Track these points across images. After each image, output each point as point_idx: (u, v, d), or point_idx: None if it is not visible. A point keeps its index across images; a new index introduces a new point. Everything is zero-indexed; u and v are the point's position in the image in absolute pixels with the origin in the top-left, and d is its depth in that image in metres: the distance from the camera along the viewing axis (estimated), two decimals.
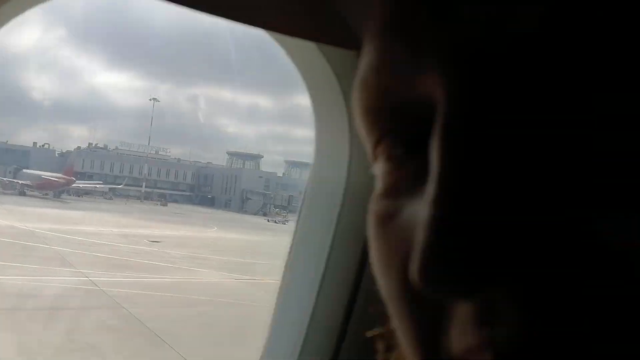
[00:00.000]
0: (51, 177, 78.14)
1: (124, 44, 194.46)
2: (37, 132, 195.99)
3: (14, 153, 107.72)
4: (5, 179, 79.64)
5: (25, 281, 17.12)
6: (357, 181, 1.48)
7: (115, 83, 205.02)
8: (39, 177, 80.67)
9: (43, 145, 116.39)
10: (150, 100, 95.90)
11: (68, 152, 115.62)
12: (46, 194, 78.08)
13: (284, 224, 62.37)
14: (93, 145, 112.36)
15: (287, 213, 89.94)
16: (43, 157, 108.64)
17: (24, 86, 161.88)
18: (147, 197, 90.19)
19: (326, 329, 1.57)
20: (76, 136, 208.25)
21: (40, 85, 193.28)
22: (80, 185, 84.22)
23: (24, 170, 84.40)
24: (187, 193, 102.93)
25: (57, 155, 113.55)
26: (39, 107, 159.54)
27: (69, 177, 78.61)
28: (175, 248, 28.99)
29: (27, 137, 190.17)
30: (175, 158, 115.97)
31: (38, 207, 52.33)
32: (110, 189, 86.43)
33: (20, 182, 77.79)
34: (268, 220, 68.17)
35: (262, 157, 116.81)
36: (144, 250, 26.84)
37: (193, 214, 67.57)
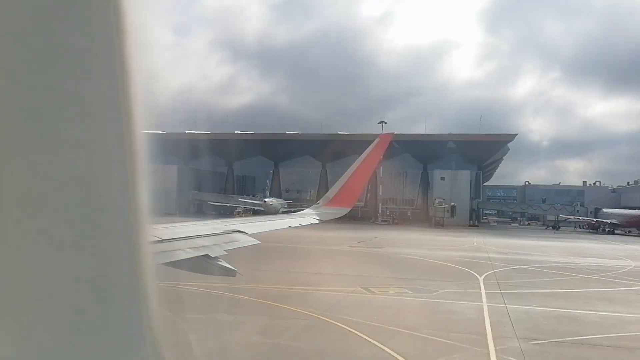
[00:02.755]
0: None
1: (619, 69, 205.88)
2: (535, 170, 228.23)
3: (568, 193, 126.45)
4: (583, 217, 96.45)
5: None
6: None
7: (611, 110, 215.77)
8: (624, 214, 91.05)
9: (594, 183, 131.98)
10: None
11: (620, 187, 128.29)
12: (629, 231, 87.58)
13: None
14: None
15: None
16: (596, 193, 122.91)
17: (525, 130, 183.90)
18: None
19: None
20: (573, 170, 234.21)
21: (538, 127, 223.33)
22: None
23: (604, 209, 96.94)
24: None
25: (610, 190, 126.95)
26: (538, 147, 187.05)
27: None
28: None
29: (526, 176, 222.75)
30: None
31: None
32: None
33: (606, 220, 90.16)
34: None
35: None
36: None
37: None
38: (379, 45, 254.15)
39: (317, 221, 11.89)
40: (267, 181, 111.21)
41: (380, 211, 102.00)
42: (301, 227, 11.05)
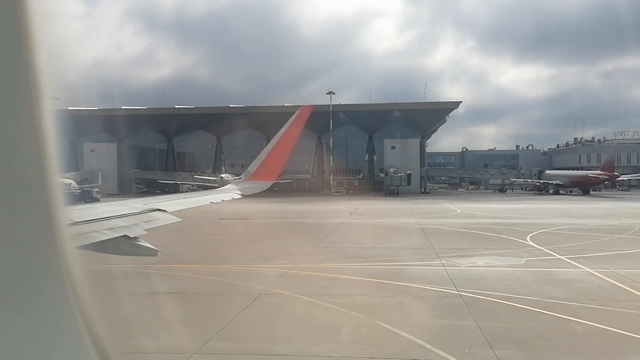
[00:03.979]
0: (591, 174, 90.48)
1: (529, 37, 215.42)
2: (453, 137, 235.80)
3: (504, 157, 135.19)
4: (530, 180, 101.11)
5: None
6: None
7: (522, 77, 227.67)
8: (567, 175, 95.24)
9: (527, 147, 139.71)
10: None
11: (551, 149, 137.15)
12: (571, 191, 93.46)
13: None
14: (579, 140, 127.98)
15: None
16: (529, 157, 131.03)
17: (443, 98, 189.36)
18: None
19: None
20: (487, 135, 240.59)
21: (455, 94, 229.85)
22: (625, 179, 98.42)
23: (547, 171, 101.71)
24: None
25: (541, 154, 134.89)
26: (455, 114, 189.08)
27: (612, 173, 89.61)
28: None
29: (447, 142, 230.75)
30: None
31: None
32: None
33: (551, 182, 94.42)
34: None
35: None
36: None
37: None
38: (301, 15, 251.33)
39: (239, 196, 11.69)
40: (222, 156, 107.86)
41: (332, 182, 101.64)
42: (223, 202, 10.84)
